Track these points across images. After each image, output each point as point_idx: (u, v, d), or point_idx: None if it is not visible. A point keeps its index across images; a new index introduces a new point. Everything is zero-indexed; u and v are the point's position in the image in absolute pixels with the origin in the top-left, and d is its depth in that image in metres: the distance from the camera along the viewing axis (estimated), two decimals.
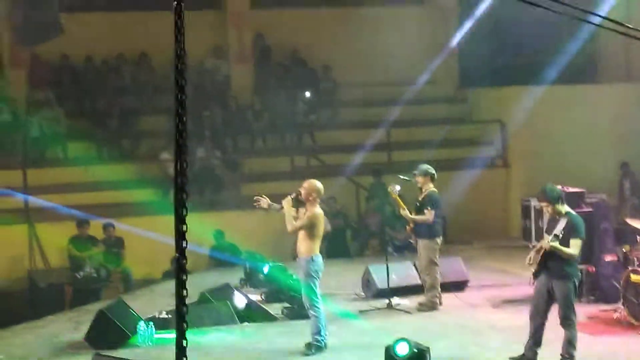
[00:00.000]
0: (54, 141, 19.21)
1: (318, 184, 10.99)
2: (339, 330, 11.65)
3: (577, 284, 10.09)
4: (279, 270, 14.21)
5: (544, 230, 10.41)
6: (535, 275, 10.01)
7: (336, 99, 21.77)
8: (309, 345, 10.96)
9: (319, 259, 10.92)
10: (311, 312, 10.95)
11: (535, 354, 10.07)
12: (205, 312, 12.52)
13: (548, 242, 9.75)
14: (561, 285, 9.84)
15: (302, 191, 10.88)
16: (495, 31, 20.60)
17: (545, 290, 9.94)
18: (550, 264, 9.84)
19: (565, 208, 10.01)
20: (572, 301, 9.95)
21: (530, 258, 10.01)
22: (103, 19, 20.96)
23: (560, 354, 9.96)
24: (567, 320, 9.93)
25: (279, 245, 16.37)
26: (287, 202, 10.85)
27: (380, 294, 13.57)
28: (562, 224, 9.83)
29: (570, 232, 9.80)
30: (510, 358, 10.10)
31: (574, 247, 9.77)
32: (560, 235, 9.75)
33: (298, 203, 10.96)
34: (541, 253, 9.86)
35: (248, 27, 21.85)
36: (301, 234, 10.82)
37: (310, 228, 10.78)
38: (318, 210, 10.89)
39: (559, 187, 13.05)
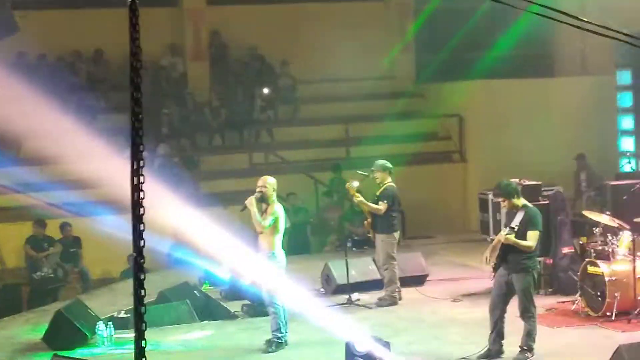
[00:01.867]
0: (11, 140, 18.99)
1: (273, 179, 11.03)
2: (299, 327, 11.63)
3: (536, 276, 10.18)
4: None
5: (503, 223, 10.49)
6: (495, 268, 10.08)
7: (294, 95, 21.73)
8: (269, 342, 10.94)
9: (282, 254, 10.93)
10: (271, 308, 10.94)
11: (501, 345, 10.13)
12: (164, 311, 12.45)
13: (504, 235, 9.83)
14: (520, 278, 9.92)
15: (264, 189, 10.86)
16: (452, 25, 20.66)
17: (504, 282, 10.01)
18: (509, 257, 9.91)
19: (521, 201, 10.09)
20: (531, 294, 10.04)
21: (486, 258, 10.07)
22: (58, 16, 20.76)
23: (519, 346, 10.04)
24: (526, 313, 10.01)
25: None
26: (250, 204, 10.80)
27: (340, 289, 13.58)
28: (519, 217, 9.91)
29: (527, 224, 9.89)
30: (477, 356, 10.14)
31: (531, 239, 9.86)
32: (516, 228, 9.83)
33: (262, 201, 10.94)
34: (499, 246, 9.93)
35: (204, 24, 21.73)
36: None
37: (274, 225, 10.81)
38: (278, 206, 10.92)
39: (516, 180, 13.18)
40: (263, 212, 10.87)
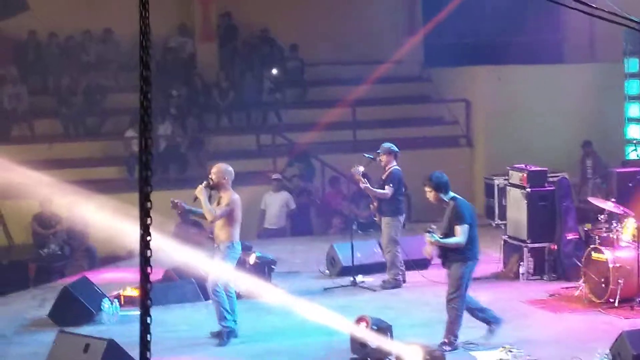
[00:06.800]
0: (19, 118, 19.08)
1: (228, 167, 10.80)
2: (302, 308, 11.67)
3: (472, 266, 9.96)
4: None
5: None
6: (443, 264, 10.04)
7: (302, 78, 21.72)
8: (218, 334, 10.70)
9: (239, 245, 10.79)
10: (214, 297, 10.63)
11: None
12: (170, 289, 12.52)
13: (427, 239, 9.77)
14: (454, 268, 9.81)
15: (213, 177, 10.65)
16: (461, 10, 20.60)
17: None
18: (448, 252, 9.88)
19: (449, 195, 10.06)
20: (461, 285, 9.82)
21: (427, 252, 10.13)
22: None
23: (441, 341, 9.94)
24: (450, 303, 9.87)
25: (243, 223, 16.33)
26: (200, 192, 10.52)
27: (345, 271, 13.63)
28: (447, 211, 9.90)
29: (454, 218, 9.84)
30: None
31: (459, 234, 9.77)
32: (433, 230, 9.78)
33: (211, 189, 10.72)
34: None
35: (214, 5, 21.72)
36: (220, 221, 10.61)
37: (229, 214, 10.60)
38: (234, 195, 10.65)
39: (522, 166, 13.23)
40: (218, 202, 10.67)
